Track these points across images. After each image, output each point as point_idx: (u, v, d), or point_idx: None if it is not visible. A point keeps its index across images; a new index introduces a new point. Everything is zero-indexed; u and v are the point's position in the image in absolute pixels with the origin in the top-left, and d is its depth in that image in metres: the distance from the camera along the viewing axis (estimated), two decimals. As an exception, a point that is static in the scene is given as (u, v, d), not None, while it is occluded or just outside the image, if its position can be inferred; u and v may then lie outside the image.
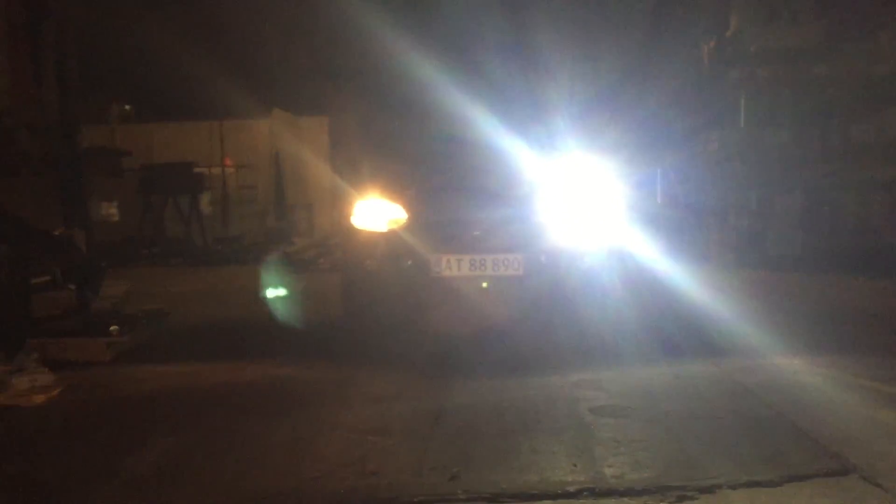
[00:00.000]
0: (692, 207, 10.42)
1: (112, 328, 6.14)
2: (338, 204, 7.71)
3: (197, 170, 14.89)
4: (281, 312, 7.87)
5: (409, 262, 6.08)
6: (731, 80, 10.55)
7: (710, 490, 3.35)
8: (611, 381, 5.02)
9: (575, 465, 3.62)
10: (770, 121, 10.60)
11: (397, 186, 6.40)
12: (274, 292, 8.47)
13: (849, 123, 10.37)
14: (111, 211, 15.47)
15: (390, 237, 6.15)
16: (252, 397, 4.85)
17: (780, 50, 10.37)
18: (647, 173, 9.56)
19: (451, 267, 5.99)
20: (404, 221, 6.16)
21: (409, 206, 6.19)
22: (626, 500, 3.29)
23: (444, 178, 6.48)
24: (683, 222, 9.58)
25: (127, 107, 18.16)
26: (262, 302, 8.56)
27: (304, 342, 6.55)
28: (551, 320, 6.17)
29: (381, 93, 7.70)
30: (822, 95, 10.53)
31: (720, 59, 10.89)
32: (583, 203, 6.25)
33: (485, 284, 6.00)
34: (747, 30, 10.48)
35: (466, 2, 7.12)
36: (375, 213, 6.28)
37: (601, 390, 4.80)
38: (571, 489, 3.37)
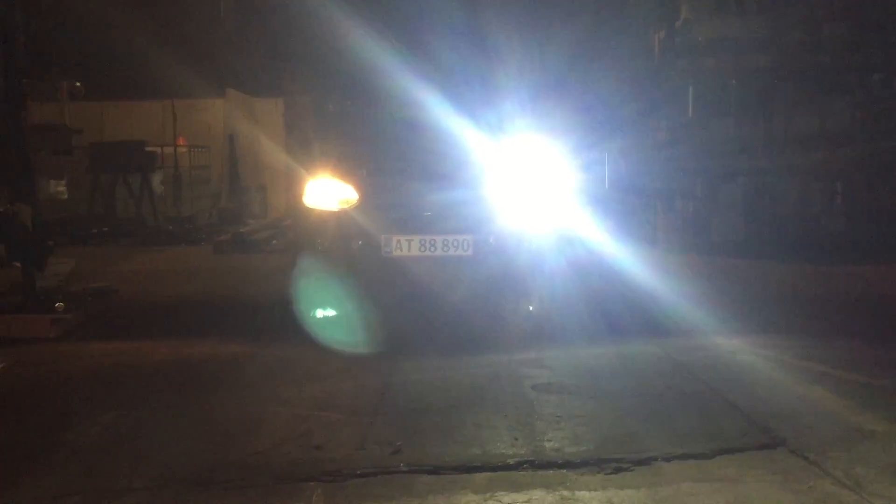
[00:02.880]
0: (639, 192, 10.59)
1: (57, 305, 6.09)
2: (292, 186, 7.71)
3: (149, 149, 14.66)
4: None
5: (360, 242, 6.12)
6: (680, 69, 10.73)
7: (645, 462, 3.48)
8: (555, 359, 5.14)
9: (516, 439, 3.72)
10: (716, 110, 10.81)
11: (349, 167, 6.43)
12: None
13: (792, 113, 10.64)
14: (60, 189, 15.14)
15: (341, 217, 6.18)
16: (198, 374, 4.86)
17: (726, 41, 10.57)
18: (596, 157, 9.68)
19: (402, 247, 6.04)
20: (355, 201, 6.18)
21: (360, 187, 6.22)
22: (564, 471, 3.40)
23: (395, 160, 6.52)
24: (630, 206, 9.75)
25: (77, 84, 17.74)
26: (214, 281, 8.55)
27: (254, 321, 6.57)
28: (500, 300, 6.28)
29: (334, 76, 7.71)
30: (766, 85, 10.78)
31: (669, 49, 11.06)
32: (532, 186, 6.35)
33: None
34: (696, 20, 10.66)
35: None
36: (327, 192, 6.30)
37: (545, 368, 4.92)
38: (511, 462, 3.48)
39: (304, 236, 6.45)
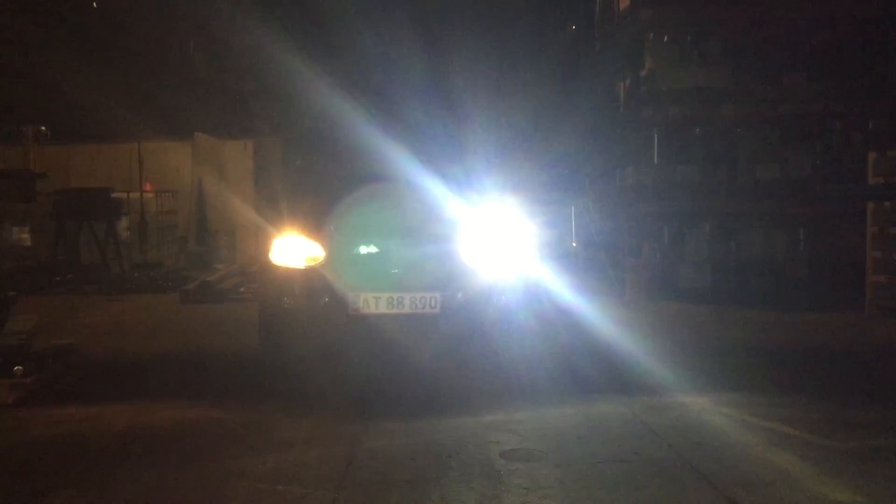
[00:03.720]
0: (606, 243, 10.70)
1: (16, 368, 5.94)
2: (260, 234, 7.67)
3: (115, 195, 14.52)
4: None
5: (327, 299, 6.07)
6: (646, 118, 10.89)
7: (612, 537, 3.45)
8: (523, 422, 5.10)
9: (483, 514, 3.67)
10: (681, 157, 10.96)
11: (316, 223, 6.40)
12: None
13: (755, 161, 10.81)
14: (23, 236, 14.95)
15: (308, 274, 6.14)
16: (158, 444, 4.75)
17: (690, 90, 10.75)
18: (563, 212, 9.81)
19: (369, 304, 6.00)
20: (322, 258, 6.15)
21: (327, 243, 6.19)
22: (531, 549, 3.36)
23: (362, 217, 6.51)
24: (597, 257, 9.82)
25: (43, 128, 17.62)
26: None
27: (219, 379, 6.48)
28: (468, 358, 6.25)
29: (303, 123, 7.72)
30: (729, 134, 10.96)
31: (635, 97, 11.24)
32: (499, 242, 6.36)
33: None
34: (660, 70, 10.84)
35: (388, 45, 7.22)
36: (293, 249, 6.26)
37: (513, 433, 4.88)
38: (478, 540, 3.43)
39: (270, 293, 6.39)
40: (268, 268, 6.39)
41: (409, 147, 6.74)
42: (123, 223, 15.10)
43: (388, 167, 6.71)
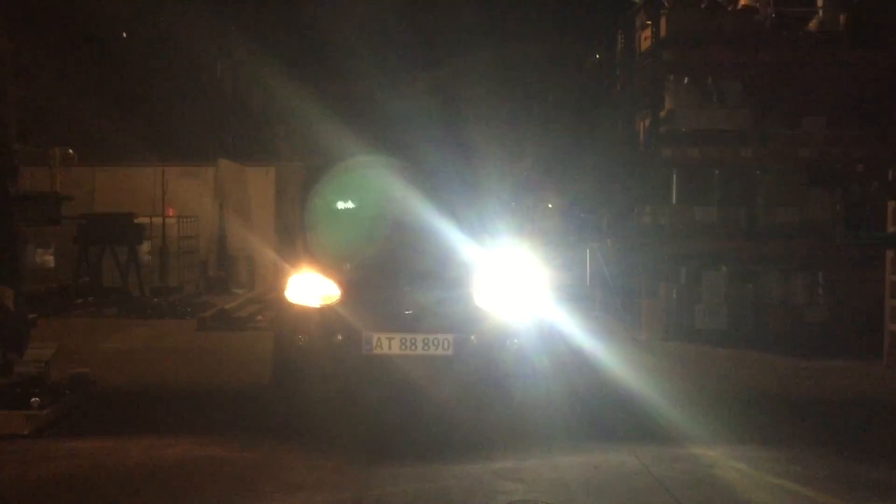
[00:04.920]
0: (622, 283, 10.69)
1: (33, 400, 6.02)
2: (278, 265, 7.76)
3: (138, 220, 14.73)
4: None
5: (341, 339, 6.12)
6: (665, 158, 10.90)
7: None
8: (532, 470, 5.10)
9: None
10: (700, 198, 10.95)
11: (332, 262, 6.48)
12: None
13: (774, 204, 10.78)
14: (47, 258, 15.16)
15: (323, 312, 6.20)
16: (169, 484, 4.78)
17: (710, 132, 10.76)
18: (578, 253, 9.84)
19: (382, 345, 6.06)
20: (338, 297, 6.21)
21: (342, 283, 6.26)
22: None
23: (378, 257, 6.57)
24: (613, 298, 9.81)
25: (70, 151, 17.91)
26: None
27: (231, 414, 6.52)
28: (480, 401, 6.27)
29: (326, 160, 7.81)
30: (748, 176, 10.95)
31: (654, 137, 11.27)
32: (514, 285, 6.40)
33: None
34: (680, 110, 10.87)
35: (405, 87, 7.32)
36: (309, 287, 6.34)
37: (521, 482, 4.87)
38: None
39: (285, 330, 6.46)
40: (283, 304, 6.48)
41: (425, 190, 6.82)
42: (145, 247, 15.26)
43: (405, 209, 6.79)
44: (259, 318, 12.42)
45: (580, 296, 8.79)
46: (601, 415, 6.52)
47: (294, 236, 7.39)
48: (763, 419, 6.60)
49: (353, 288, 6.26)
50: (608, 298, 9.67)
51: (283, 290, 6.50)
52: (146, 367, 8.64)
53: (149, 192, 17.00)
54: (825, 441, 5.90)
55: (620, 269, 10.71)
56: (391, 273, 6.40)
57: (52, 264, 15.09)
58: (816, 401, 7.42)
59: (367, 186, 7.13)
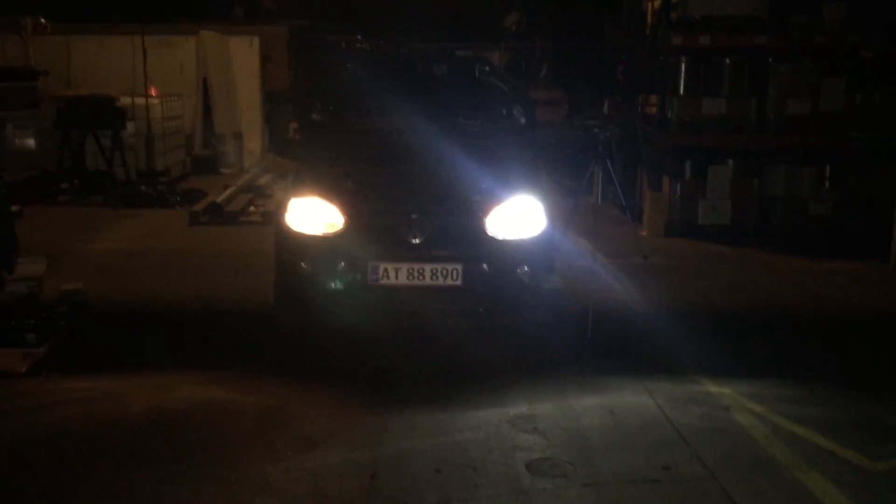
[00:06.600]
0: (625, 175, 10.42)
1: (29, 336, 5.83)
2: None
3: (119, 103, 14.06)
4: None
5: (345, 268, 5.88)
6: (674, 46, 10.36)
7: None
8: (547, 417, 5.01)
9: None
10: (709, 89, 10.50)
11: (335, 186, 6.12)
12: None
13: (785, 95, 10.35)
14: (28, 141, 14.57)
15: (326, 241, 5.91)
16: (176, 437, 4.66)
17: (724, 18, 10.20)
18: (584, 161, 9.52)
19: (389, 275, 5.82)
20: (341, 225, 5.90)
21: (346, 209, 5.92)
22: None
23: (385, 182, 6.24)
24: (616, 189, 9.54)
25: (42, 20, 16.90)
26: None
27: (236, 343, 6.34)
28: (490, 333, 6.14)
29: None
30: (760, 66, 10.45)
31: (664, 23, 10.67)
32: (524, 210, 6.09)
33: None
34: (692, -4, 10.25)
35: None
36: (311, 213, 6.01)
37: (537, 432, 4.80)
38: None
39: (286, 258, 6.16)
40: (283, 232, 6.14)
41: (427, 102, 6.43)
42: (130, 128, 14.65)
43: (414, 125, 6.42)
44: (251, 209, 12.14)
45: (586, 209, 8.54)
46: (610, 342, 6.41)
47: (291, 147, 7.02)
48: (774, 345, 6.53)
49: (358, 214, 5.93)
50: (610, 189, 9.43)
51: (283, 216, 6.16)
52: (141, 276, 8.39)
53: (127, 64, 16.22)
54: (841, 376, 5.80)
55: (625, 159, 10.42)
56: (399, 198, 6.06)
57: (34, 146, 14.52)
58: (827, 318, 7.32)
59: (374, 106, 6.70)
